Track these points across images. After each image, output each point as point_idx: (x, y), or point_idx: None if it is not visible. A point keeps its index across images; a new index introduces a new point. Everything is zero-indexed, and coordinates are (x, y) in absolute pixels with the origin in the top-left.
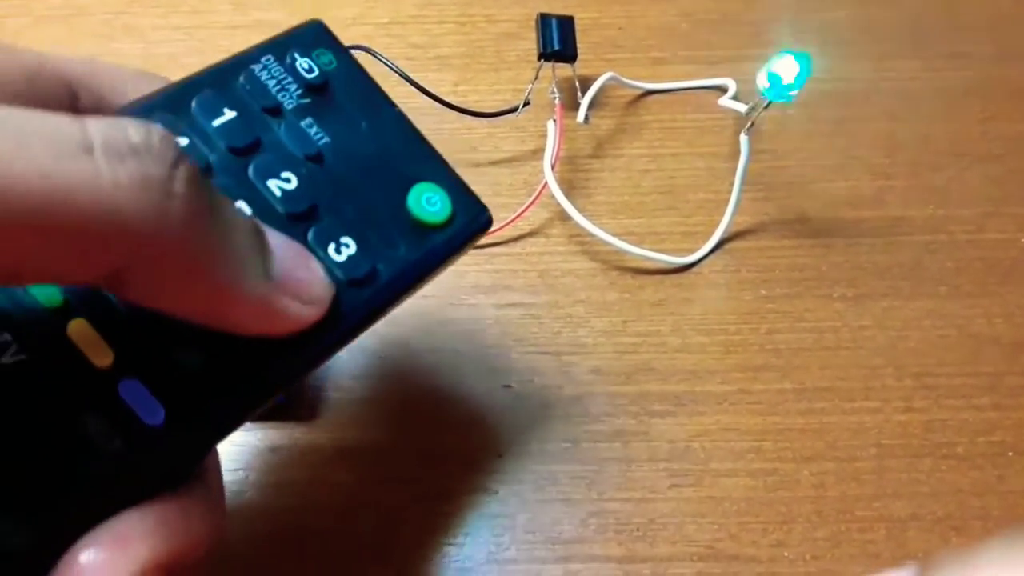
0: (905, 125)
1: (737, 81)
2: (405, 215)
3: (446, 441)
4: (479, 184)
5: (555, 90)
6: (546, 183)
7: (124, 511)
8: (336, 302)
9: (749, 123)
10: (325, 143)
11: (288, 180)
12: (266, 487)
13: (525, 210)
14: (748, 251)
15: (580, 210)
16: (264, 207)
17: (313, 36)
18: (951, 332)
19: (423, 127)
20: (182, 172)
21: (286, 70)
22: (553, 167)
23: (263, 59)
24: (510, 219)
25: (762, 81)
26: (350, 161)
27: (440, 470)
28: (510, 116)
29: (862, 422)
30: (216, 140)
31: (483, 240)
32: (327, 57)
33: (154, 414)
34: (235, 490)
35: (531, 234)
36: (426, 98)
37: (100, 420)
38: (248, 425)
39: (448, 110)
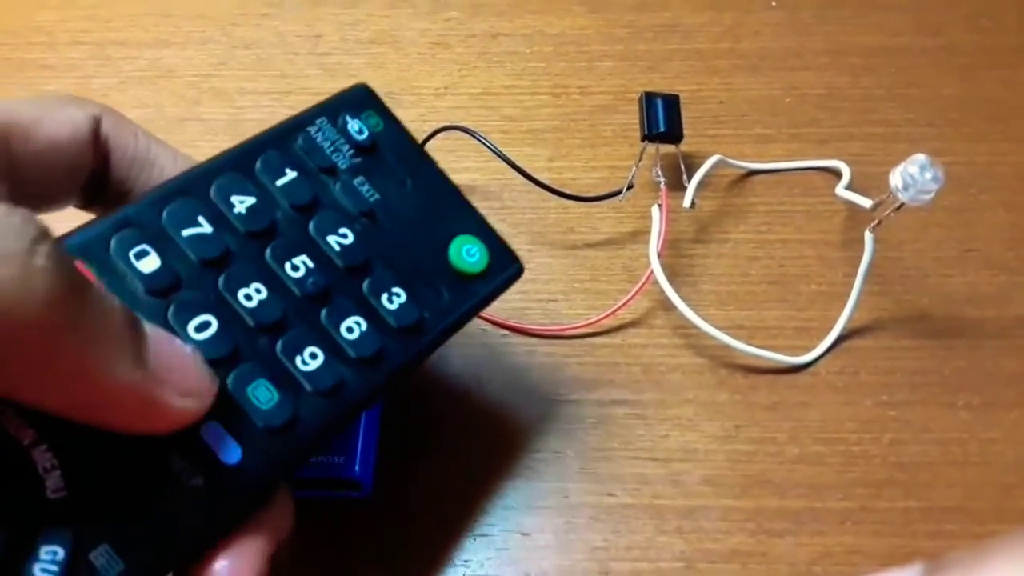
0: None
1: (848, 163)
2: (447, 266)
3: (544, 555)
4: (576, 268)
5: (660, 173)
6: (651, 272)
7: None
8: (389, 347)
9: (876, 221)
10: (376, 200)
11: (345, 236)
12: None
13: (630, 299)
14: (866, 351)
15: (684, 299)
16: (324, 260)
17: (361, 99)
18: None
19: (521, 204)
20: (44, 248)
21: (339, 132)
22: (660, 255)
23: (317, 121)
24: (613, 308)
25: (896, 180)
26: (398, 217)
27: None
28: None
29: None
30: (280, 198)
31: (583, 330)
32: (375, 119)
33: (231, 454)
34: None
35: (633, 324)
36: (522, 176)
37: (183, 459)
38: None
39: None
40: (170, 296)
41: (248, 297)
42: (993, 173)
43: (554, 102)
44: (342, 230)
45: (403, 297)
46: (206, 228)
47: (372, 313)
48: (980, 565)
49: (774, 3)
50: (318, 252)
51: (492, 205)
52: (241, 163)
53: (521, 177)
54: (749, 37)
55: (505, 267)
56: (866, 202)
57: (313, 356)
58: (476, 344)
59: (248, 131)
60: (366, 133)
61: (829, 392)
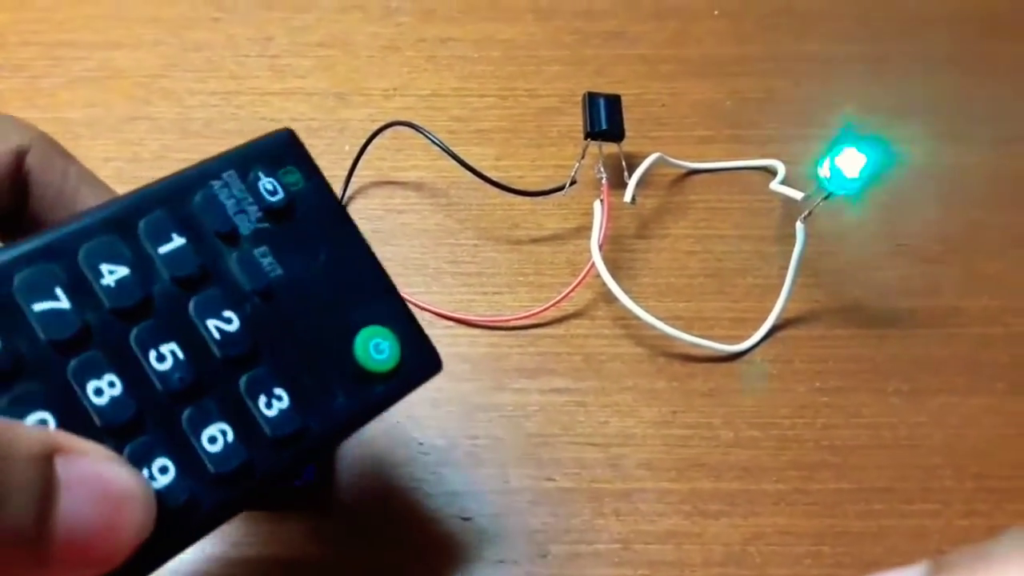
0: (956, 212)
1: (785, 163)
2: (350, 361)
3: (485, 538)
4: (521, 262)
5: (601, 169)
6: (593, 264)
7: None
8: (257, 460)
9: (807, 212)
10: (277, 276)
11: (230, 320)
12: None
13: (571, 291)
14: (800, 340)
15: (625, 291)
16: (199, 349)
17: (282, 149)
18: (1011, 431)
19: (468, 201)
20: None
21: (248, 188)
22: (600, 247)
23: (224, 175)
24: (555, 300)
25: (824, 172)
26: (300, 297)
27: (479, 572)
28: (554, 195)
29: (923, 526)
30: (161, 268)
31: (526, 321)
32: (294, 176)
33: None
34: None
35: (575, 316)
36: (469, 174)
37: None
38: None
39: (490, 186)
40: (5, 387)
41: (99, 392)
42: (924, 172)
43: (501, 104)
44: (227, 313)
45: (285, 401)
46: (63, 303)
47: (244, 418)
48: (986, 564)
49: (716, 12)
50: (194, 338)
51: (439, 202)
52: (122, 223)
53: (467, 174)
54: (692, 44)
55: (420, 365)
56: (798, 194)
57: (163, 470)
58: None
59: (197, 131)
60: (280, 193)
61: (763, 379)
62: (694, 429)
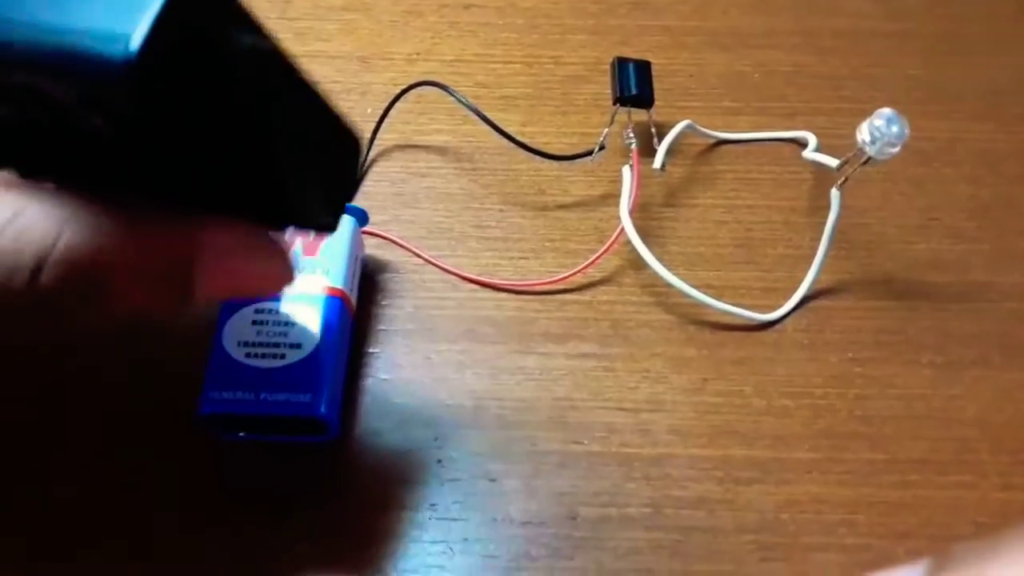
0: (987, 188)
1: (816, 134)
2: None
3: (512, 499)
4: (547, 228)
5: (631, 135)
6: (622, 229)
7: None
8: None
9: (843, 179)
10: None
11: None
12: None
13: (600, 256)
14: (831, 311)
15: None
16: None
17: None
18: None
19: (492, 166)
20: None
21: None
22: (630, 214)
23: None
24: (583, 265)
25: (863, 135)
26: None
27: (506, 532)
28: (582, 160)
29: (958, 497)
30: None
31: (552, 286)
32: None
33: None
34: None
35: (602, 282)
36: (496, 138)
37: None
38: None
39: (517, 150)
40: None
41: None
42: (954, 149)
43: (527, 71)
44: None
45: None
46: None
47: None
48: (988, 560)
49: None
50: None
51: (463, 166)
52: None
53: (493, 139)
54: (718, 16)
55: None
56: (833, 161)
57: None
58: (444, 297)
59: None
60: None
61: (795, 348)
62: (725, 397)
